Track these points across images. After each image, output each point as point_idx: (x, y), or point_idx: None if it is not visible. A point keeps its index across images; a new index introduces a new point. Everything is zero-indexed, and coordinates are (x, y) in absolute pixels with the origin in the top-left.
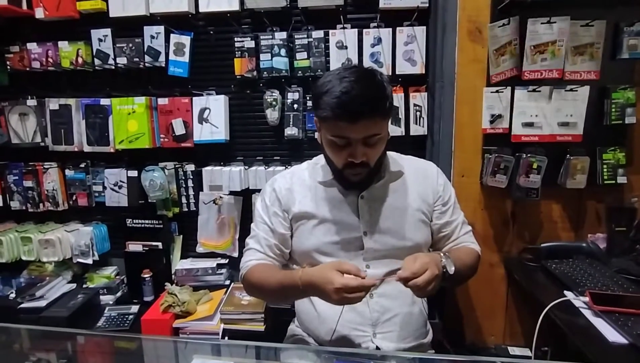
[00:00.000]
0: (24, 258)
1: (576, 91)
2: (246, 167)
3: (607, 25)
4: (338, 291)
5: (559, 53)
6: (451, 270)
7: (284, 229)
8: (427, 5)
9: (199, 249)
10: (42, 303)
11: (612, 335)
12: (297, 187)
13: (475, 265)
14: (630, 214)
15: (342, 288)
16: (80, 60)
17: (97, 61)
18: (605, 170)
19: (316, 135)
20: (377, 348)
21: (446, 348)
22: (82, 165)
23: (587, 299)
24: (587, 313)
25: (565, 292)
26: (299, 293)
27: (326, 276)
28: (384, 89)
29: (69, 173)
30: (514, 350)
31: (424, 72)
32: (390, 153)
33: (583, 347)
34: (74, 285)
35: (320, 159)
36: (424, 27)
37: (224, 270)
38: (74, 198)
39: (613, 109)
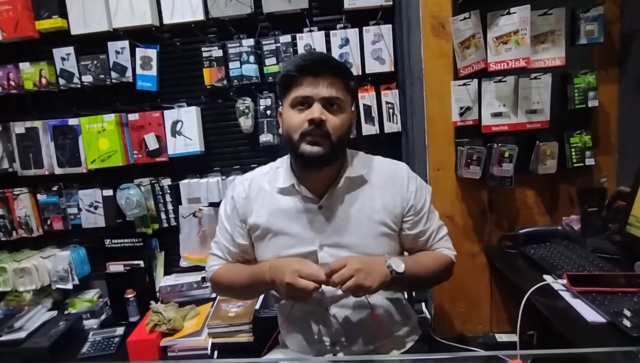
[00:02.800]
0: None
1: (539, 78)
2: (224, 177)
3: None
4: (294, 273)
5: (523, 42)
6: (399, 268)
7: (243, 239)
8: (391, 3)
9: (183, 263)
10: (22, 335)
11: (591, 315)
12: (254, 195)
13: (444, 271)
14: (600, 195)
15: (298, 270)
16: (44, 80)
17: (61, 81)
18: (573, 154)
19: (280, 130)
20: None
21: (435, 341)
22: (55, 188)
23: (564, 281)
24: (566, 295)
25: (545, 276)
26: (264, 280)
27: (289, 260)
28: (345, 64)
29: (41, 197)
30: (501, 337)
31: (393, 69)
32: (356, 153)
33: (564, 328)
34: (54, 313)
35: (282, 162)
36: (390, 25)
37: (209, 283)
38: (48, 222)
39: (576, 94)
